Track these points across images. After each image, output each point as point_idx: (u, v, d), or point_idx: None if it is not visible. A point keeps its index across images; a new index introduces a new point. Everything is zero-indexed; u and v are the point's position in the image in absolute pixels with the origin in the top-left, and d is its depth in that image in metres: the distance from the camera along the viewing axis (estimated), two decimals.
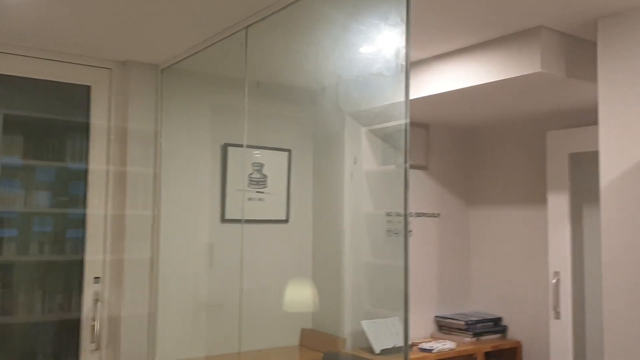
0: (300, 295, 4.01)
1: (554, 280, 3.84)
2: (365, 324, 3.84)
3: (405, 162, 2.10)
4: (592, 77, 3.11)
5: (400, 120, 2.10)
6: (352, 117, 4.00)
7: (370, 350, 3.76)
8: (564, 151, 3.89)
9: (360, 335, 3.87)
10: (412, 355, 3.74)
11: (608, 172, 2.65)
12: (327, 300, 4.07)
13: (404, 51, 2.07)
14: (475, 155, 4.59)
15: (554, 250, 3.86)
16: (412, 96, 3.55)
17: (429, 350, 3.78)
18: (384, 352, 3.75)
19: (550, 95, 3.46)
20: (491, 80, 3.12)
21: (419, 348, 3.86)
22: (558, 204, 3.87)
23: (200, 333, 3.78)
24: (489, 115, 4.09)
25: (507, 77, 3.05)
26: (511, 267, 4.27)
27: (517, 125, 4.32)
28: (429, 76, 3.45)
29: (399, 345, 3.82)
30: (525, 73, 2.97)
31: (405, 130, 2.10)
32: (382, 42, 2.60)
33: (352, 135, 4.01)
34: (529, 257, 4.16)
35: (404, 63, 2.07)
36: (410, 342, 3.91)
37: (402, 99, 2.09)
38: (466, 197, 4.58)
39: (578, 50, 3.08)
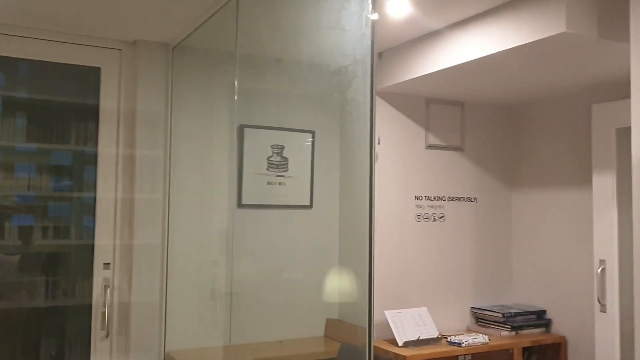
0: (329, 285, 3.81)
1: (599, 269, 3.46)
2: (388, 315, 3.59)
3: (371, 143, 1.85)
4: None
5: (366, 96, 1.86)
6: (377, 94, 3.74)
7: (395, 341, 3.51)
8: (610, 126, 3.50)
9: (387, 326, 3.62)
10: (440, 349, 3.46)
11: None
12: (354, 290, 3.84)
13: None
14: (515, 135, 4.24)
15: (600, 236, 3.49)
16: (432, 69, 3.26)
17: (458, 344, 3.49)
18: (408, 344, 3.49)
19: (588, 63, 3.10)
20: (513, 46, 2.81)
21: (448, 341, 3.57)
22: (604, 184, 3.48)
23: (214, 322, 3.63)
24: (527, 90, 3.74)
25: (530, 41, 2.73)
26: (557, 255, 3.90)
27: (559, 99, 3.94)
28: (447, 47, 3.16)
29: (425, 337, 3.55)
30: (549, 34, 2.64)
31: (372, 100, 1.85)
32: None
33: (377, 114, 3.75)
34: (576, 244, 3.78)
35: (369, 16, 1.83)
36: (439, 335, 3.63)
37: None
38: (506, 180, 4.22)
39: (613, 7, 2.71)
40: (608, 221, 3.45)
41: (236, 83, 3.00)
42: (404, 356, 3.32)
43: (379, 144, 3.74)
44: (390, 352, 3.40)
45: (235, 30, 2.83)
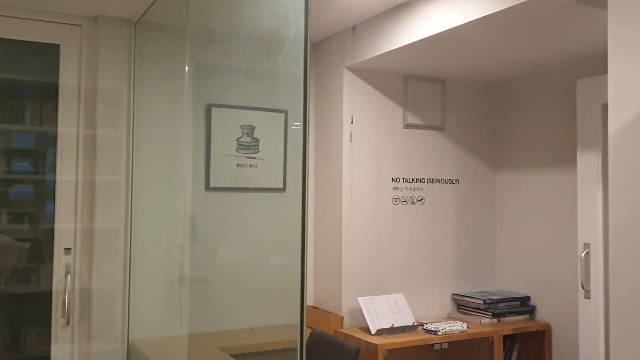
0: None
1: (583, 254, 3.29)
2: (362, 301, 3.43)
3: (305, 111, 1.68)
4: None
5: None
6: (350, 70, 3.57)
7: (369, 329, 3.36)
8: (596, 102, 3.31)
9: (361, 313, 3.47)
10: (415, 337, 3.30)
11: (617, 118, 2.12)
12: (328, 276, 3.69)
13: None
14: (499, 113, 4.05)
15: (584, 218, 3.31)
16: (407, 41, 3.09)
17: (434, 332, 3.33)
18: (381, 332, 3.34)
19: (569, 33, 2.92)
20: (489, 13, 2.63)
21: (424, 329, 3.41)
22: (589, 163, 3.30)
23: (181, 309, 3.49)
24: (509, 65, 3.56)
25: (506, 7, 2.55)
26: (544, 239, 3.73)
27: (543, 75, 3.75)
28: (421, 17, 2.98)
29: (400, 325, 3.39)
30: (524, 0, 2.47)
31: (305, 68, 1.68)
32: None
33: (351, 91, 3.58)
34: (563, 228, 3.61)
35: None
36: (415, 322, 3.47)
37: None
38: (489, 161, 4.04)
39: None
40: (592, 202, 3.27)
41: (187, 59, 2.84)
42: (376, 344, 3.16)
43: (351, 122, 3.57)
44: (362, 340, 3.25)
45: (186, 4, 2.67)
